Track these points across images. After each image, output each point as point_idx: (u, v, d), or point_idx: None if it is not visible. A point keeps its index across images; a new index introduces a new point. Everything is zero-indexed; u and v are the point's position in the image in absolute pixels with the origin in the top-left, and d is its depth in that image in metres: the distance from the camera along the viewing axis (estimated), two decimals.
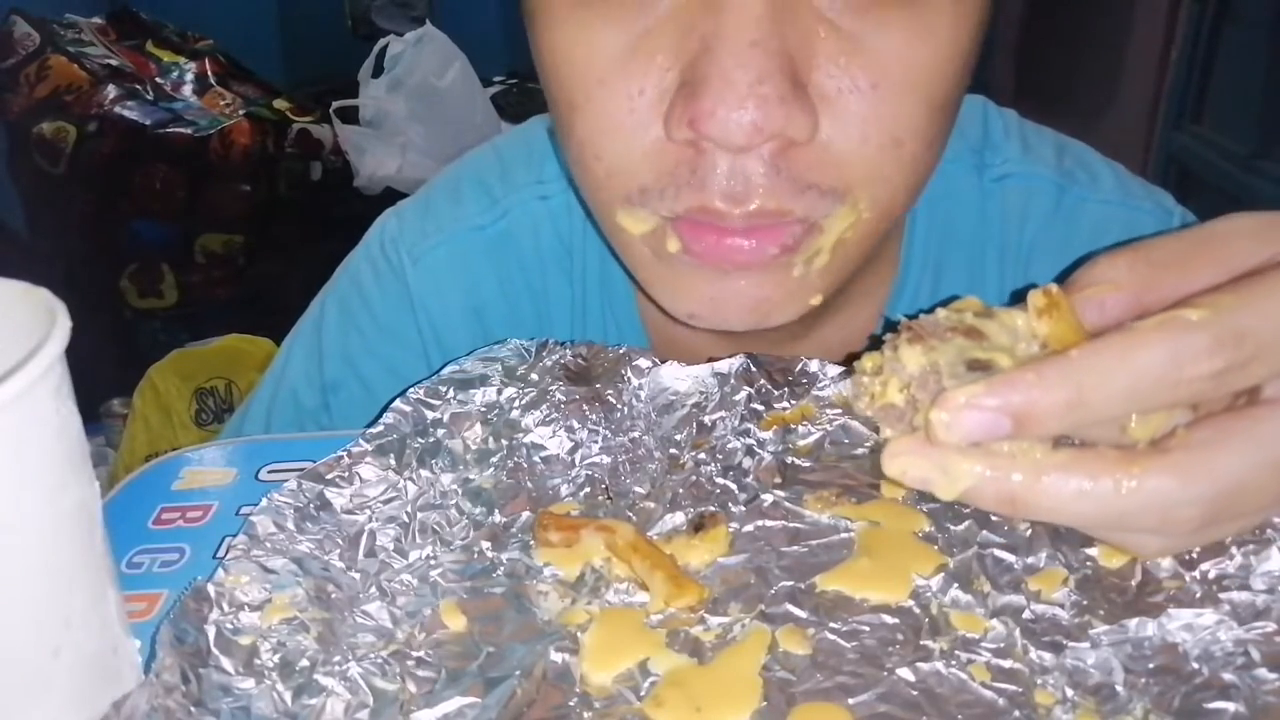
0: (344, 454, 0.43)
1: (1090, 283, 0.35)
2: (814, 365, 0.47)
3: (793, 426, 0.45)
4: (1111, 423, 0.32)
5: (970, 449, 0.32)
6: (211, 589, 0.36)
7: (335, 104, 2.29)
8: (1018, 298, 0.35)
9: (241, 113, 2.21)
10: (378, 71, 2.30)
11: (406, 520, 0.41)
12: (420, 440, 0.44)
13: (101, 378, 1.67)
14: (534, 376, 0.48)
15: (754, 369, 0.47)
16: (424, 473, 0.43)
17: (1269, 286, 0.31)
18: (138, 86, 2.17)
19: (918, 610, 0.36)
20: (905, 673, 0.33)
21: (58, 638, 0.30)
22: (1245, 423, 0.31)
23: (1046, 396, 0.30)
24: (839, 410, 0.46)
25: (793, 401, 0.46)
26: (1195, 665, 0.32)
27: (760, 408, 0.46)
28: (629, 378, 0.47)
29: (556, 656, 0.35)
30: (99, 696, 0.31)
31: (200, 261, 2.20)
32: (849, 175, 0.42)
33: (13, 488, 0.27)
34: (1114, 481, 0.31)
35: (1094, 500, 0.31)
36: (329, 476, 0.42)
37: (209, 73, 2.30)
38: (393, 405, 0.46)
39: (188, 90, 2.25)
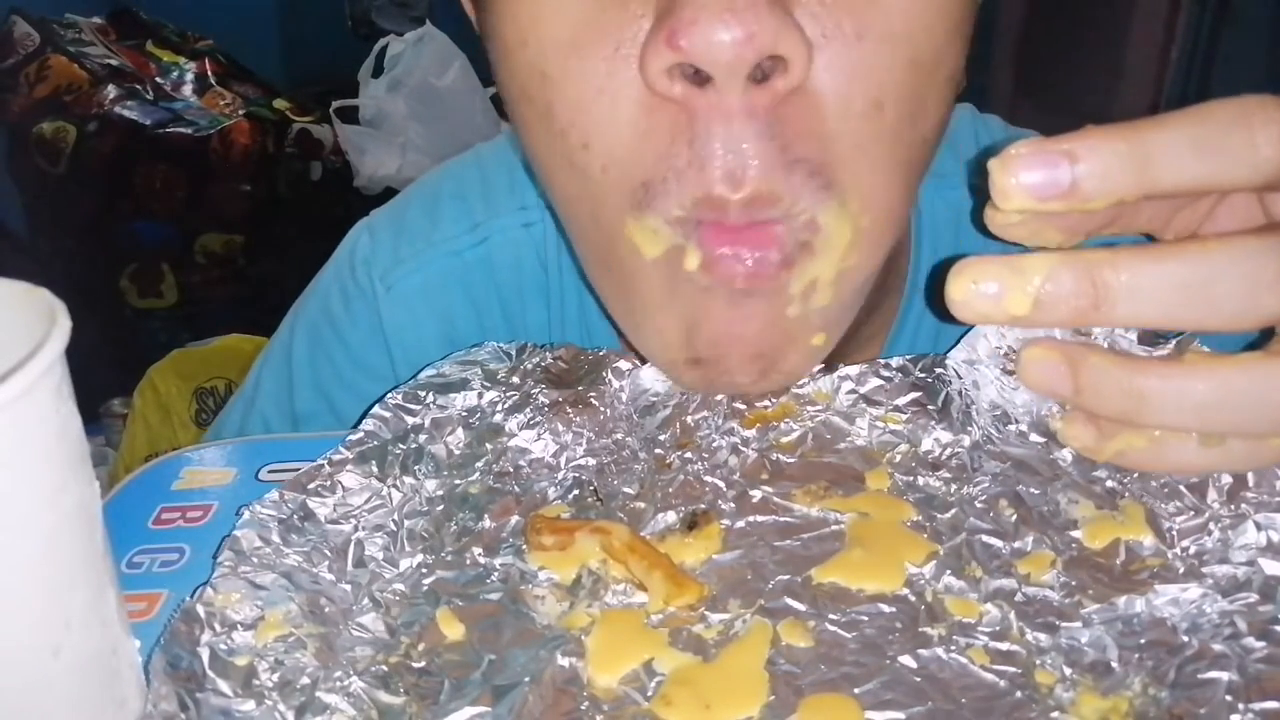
0: (324, 462, 0.42)
1: None
2: None
3: (775, 424, 0.46)
4: None
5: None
6: (201, 609, 0.34)
7: (335, 104, 2.26)
8: None
9: (241, 113, 2.18)
10: (378, 71, 2.27)
11: (394, 528, 0.40)
12: (401, 446, 0.44)
13: (101, 378, 1.64)
14: (515, 380, 0.47)
15: None
16: (408, 479, 0.42)
17: None
18: (138, 86, 2.13)
19: (913, 598, 0.37)
20: (907, 660, 0.34)
21: (58, 638, 0.29)
22: None
23: (1110, 142, 0.29)
24: (820, 406, 0.46)
25: (774, 400, 0.47)
26: (1185, 638, 0.33)
27: (742, 406, 0.46)
28: (610, 380, 0.47)
29: (564, 661, 0.34)
30: (99, 696, 0.31)
31: (200, 261, 2.16)
32: (833, 150, 0.39)
33: (13, 488, 0.27)
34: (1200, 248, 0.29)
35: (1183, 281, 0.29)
36: (310, 486, 0.41)
37: (209, 73, 2.26)
38: (372, 411, 0.45)
39: (188, 90, 2.21)
